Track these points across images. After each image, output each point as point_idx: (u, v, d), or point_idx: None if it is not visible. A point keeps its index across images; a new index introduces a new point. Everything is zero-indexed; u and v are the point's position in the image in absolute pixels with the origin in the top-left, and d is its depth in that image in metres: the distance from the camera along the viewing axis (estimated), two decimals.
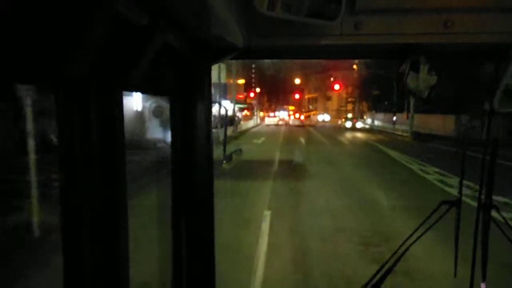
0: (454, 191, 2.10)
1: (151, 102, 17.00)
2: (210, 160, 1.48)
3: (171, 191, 1.41)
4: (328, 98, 78.37)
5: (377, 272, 1.60)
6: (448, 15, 1.30)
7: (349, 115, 49.48)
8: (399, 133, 31.91)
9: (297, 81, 67.52)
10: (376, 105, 43.80)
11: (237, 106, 37.08)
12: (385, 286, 1.52)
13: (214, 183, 1.44)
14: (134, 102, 12.82)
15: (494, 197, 1.60)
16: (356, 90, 49.80)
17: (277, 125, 46.72)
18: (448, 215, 1.57)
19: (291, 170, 13.33)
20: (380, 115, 42.13)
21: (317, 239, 6.34)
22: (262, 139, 26.44)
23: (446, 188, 9.96)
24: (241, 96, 46.46)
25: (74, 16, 0.62)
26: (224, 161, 1.79)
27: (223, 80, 31.77)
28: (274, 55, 1.68)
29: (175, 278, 1.42)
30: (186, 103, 1.40)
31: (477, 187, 1.59)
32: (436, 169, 12.99)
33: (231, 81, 33.23)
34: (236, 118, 31.73)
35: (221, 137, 2.01)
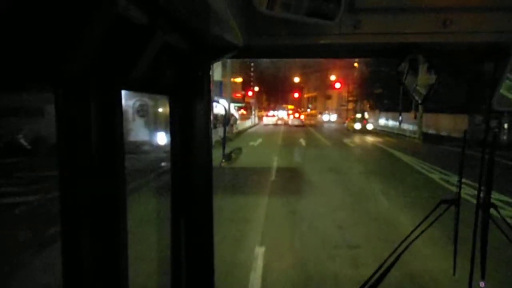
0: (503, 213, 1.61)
1: (135, 101, 15.23)
2: (209, 159, 1.47)
3: (171, 190, 1.40)
4: (328, 97, 77.28)
5: (376, 271, 1.59)
6: (447, 14, 1.31)
7: (358, 115, 41.91)
8: (407, 134, 29.52)
9: (296, 79, 66.69)
10: (379, 104, 41.30)
11: (234, 105, 35.96)
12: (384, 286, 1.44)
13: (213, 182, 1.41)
14: None
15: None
16: (358, 88, 47.31)
17: (275, 125, 44.48)
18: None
19: (291, 181, 11.11)
20: (384, 115, 39.62)
21: None
22: (259, 140, 24.14)
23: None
24: (238, 95, 45.50)
25: (74, 16, 0.62)
26: (223, 160, 1.76)
27: (218, 78, 29.44)
28: (274, 54, 1.69)
29: (174, 281, 1.41)
30: (186, 102, 1.39)
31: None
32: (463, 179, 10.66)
33: (225, 79, 30.88)
34: (233, 117, 29.41)
35: (215, 138, 1.84)
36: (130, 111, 12.99)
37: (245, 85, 48.51)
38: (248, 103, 48.96)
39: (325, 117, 64.06)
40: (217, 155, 1.56)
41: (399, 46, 1.39)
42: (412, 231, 1.66)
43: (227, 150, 1.80)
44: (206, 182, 1.46)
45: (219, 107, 2.05)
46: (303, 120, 46.49)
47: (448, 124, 25.49)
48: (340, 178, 11.96)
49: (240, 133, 29.67)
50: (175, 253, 1.40)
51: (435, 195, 8.91)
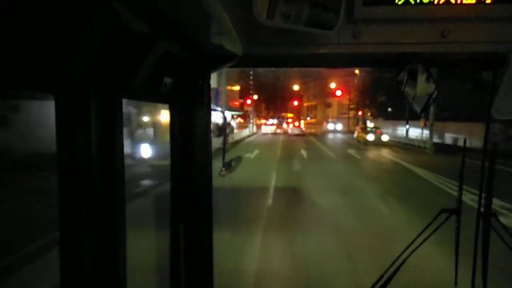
0: None
1: None
2: (209, 167, 1.49)
3: (170, 198, 1.42)
4: (328, 105, 77.13)
5: (378, 280, 1.61)
6: (445, 25, 1.33)
7: (370, 124, 34.88)
8: (416, 144, 27.10)
9: (296, 87, 66.42)
10: (382, 112, 39.01)
11: (232, 114, 34.83)
12: None
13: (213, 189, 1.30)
14: None
15: None
16: (360, 96, 45.11)
17: (274, 134, 41.81)
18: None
19: (292, 208, 8.68)
20: (388, 123, 37.17)
21: None
22: (256, 152, 21.60)
23: None
24: (236, 103, 44.46)
25: (75, 24, 0.63)
26: (223, 169, 1.71)
27: (214, 86, 27.18)
28: (273, 63, 1.66)
29: (174, 285, 1.43)
30: (186, 110, 1.42)
31: None
32: (502, 203, 8.43)
33: (221, 87, 28.79)
34: (229, 126, 27.09)
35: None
36: None
37: (244, 93, 47.64)
38: (246, 111, 47.83)
39: (330, 126, 58.17)
40: (216, 164, 1.53)
41: (398, 56, 1.41)
42: (413, 241, 1.66)
43: (225, 159, 1.70)
44: (206, 190, 1.48)
45: (216, 114, 1.85)
46: (304, 129, 43.75)
47: (462, 133, 23.05)
48: (353, 203, 9.52)
49: (237, 143, 27.23)
50: (174, 262, 1.41)
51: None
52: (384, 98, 37.53)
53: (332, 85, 56.06)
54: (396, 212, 8.44)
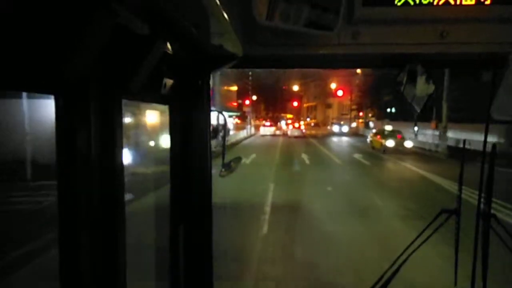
0: None
1: None
2: (209, 168, 1.49)
3: (170, 198, 1.42)
4: (328, 106, 75.90)
5: (378, 281, 1.62)
6: (444, 26, 1.35)
7: (387, 127, 28.74)
8: (427, 147, 24.69)
9: (296, 88, 65.35)
10: (386, 113, 36.63)
11: (229, 114, 34.36)
12: None
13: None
14: (47, 106, 6.27)
15: None
16: (363, 96, 42.82)
17: (273, 135, 39.41)
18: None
19: (294, 238, 6.31)
20: (394, 125, 34.73)
21: None
22: (253, 156, 19.35)
23: None
24: (235, 103, 43.99)
25: (75, 25, 0.64)
26: (223, 169, 1.71)
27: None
28: (273, 64, 1.68)
29: (173, 286, 1.44)
30: (185, 111, 1.42)
31: None
32: None
33: (216, 86, 26.67)
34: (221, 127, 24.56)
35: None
36: None
37: (242, 94, 46.81)
38: (244, 112, 46.55)
39: (335, 128, 50.53)
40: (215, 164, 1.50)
41: (398, 56, 1.42)
42: (413, 242, 1.68)
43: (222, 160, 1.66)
44: (205, 191, 1.48)
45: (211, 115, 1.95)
46: (304, 130, 41.23)
47: (477, 135, 20.71)
48: (375, 230, 7.19)
49: (233, 145, 24.98)
50: (174, 262, 1.41)
51: None
52: (389, 97, 35.20)
53: (333, 86, 54.57)
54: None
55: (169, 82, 1.22)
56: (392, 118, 36.57)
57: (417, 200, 10.02)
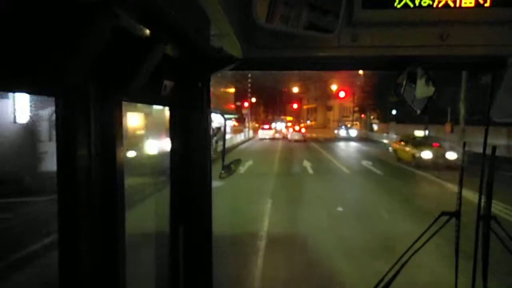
0: None
1: (52, 112, 4.83)
2: (209, 169, 1.50)
3: (170, 200, 1.43)
4: (329, 108, 74.97)
5: (379, 283, 1.62)
6: (444, 28, 1.36)
7: (418, 133, 23.78)
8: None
9: (295, 89, 64.00)
10: (391, 115, 34.21)
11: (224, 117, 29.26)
12: None
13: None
14: (12, 109, 6.38)
15: None
16: (367, 97, 40.45)
17: (272, 139, 37.00)
18: None
19: None
20: (401, 128, 32.24)
21: None
22: (249, 164, 17.00)
23: None
24: (233, 106, 43.22)
25: (75, 27, 0.64)
26: (223, 171, 1.72)
27: None
28: (273, 66, 1.72)
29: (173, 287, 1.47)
30: (185, 113, 1.43)
31: None
32: None
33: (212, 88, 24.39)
34: (219, 132, 22.07)
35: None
36: (44, 126, 7.74)
37: (240, 96, 45.94)
38: (242, 114, 45.50)
39: (342, 132, 44.44)
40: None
41: (397, 59, 1.43)
42: (413, 244, 1.69)
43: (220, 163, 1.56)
44: (205, 192, 1.49)
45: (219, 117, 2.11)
46: (305, 133, 38.66)
47: (498, 139, 18.21)
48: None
49: (228, 150, 22.31)
50: (173, 264, 1.42)
51: None
52: (395, 98, 32.78)
53: (334, 87, 52.41)
54: None
55: (169, 84, 1.23)
56: (398, 120, 34.11)
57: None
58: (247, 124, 42.55)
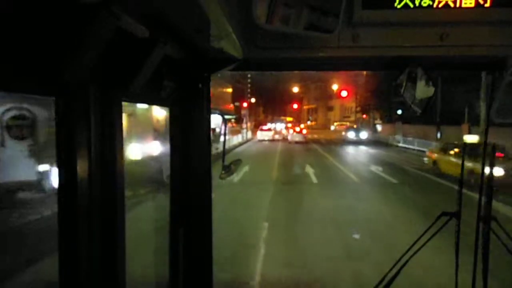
0: None
1: (5, 110, 8.17)
2: (209, 170, 1.49)
3: (170, 201, 1.42)
4: (330, 108, 73.60)
5: (379, 283, 1.63)
6: (444, 28, 1.36)
7: (471, 138, 16.42)
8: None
9: (296, 89, 62.52)
10: (396, 115, 32.14)
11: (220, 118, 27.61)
12: None
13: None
14: None
15: None
16: (371, 97, 38.40)
17: (272, 140, 34.82)
18: None
19: None
20: (408, 129, 30.06)
21: None
22: (245, 170, 15.00)
23: None
24: (231, 105, 41.22)
25: (77, 28, 0.64)
26: (223, 171, 1.69)
27: None
28: (273, 67, 1.71)
29: None
30: (186, 113, 1.42)
31: None
32: None
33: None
34: (214, 133, 20.14)
35: None
36: None
37: (240, 96, 44.19)
38: (240, 115, 44.19)
39: (351, 134, 38.31)
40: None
41: (397, 59, 1.43)
42: (413, 244, 1.69)
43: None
44: (205, 193, 1.48)
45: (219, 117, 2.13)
46: (306, 135, 36.40)
47: None
48: None
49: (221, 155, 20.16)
50: (173, 265, 1.40)
51: None
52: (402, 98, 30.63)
53: (335, 87, 50.65)
54: None
55: (169, 84, 1.23)
56: (404, 121, 31.97)
57: (403, 179, 8.62)
58: (244, 125, 40.61)
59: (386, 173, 15.29)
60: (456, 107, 21.59)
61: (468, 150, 12.80)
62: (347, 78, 48.30)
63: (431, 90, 1.44)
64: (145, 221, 5.21)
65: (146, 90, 0.98)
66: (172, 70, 1.19)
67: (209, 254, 1.49)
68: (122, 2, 0.68)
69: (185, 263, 1.41)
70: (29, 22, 0.58)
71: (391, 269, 1.60)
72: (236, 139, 33.29)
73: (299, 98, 74.10)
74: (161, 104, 1.41)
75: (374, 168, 17.41)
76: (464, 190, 1.70)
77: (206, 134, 1.45)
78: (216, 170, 1.63)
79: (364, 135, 37.78)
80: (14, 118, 7.84)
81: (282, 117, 62.92)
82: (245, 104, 44.95)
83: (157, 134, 14.44)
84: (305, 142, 34.72)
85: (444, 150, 15.28)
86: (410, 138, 28.61)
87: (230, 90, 40.72)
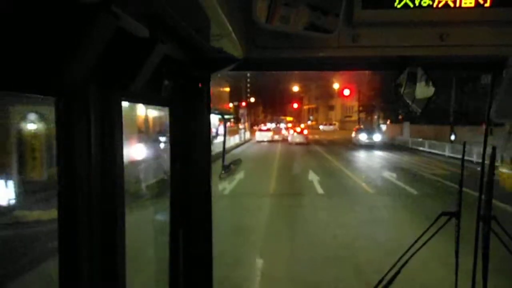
0: None
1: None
2: (209, 170, 1.51)
3: (170, 203, 1.45)
4: (331, 108, 72.12)
5: (378, 283, 1.64)
6: (444, 28, 1.37)
7: None
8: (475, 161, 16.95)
9: (296, 88, 61.76)
10: (406, 115, 30.12)
11: (218, 118, 26.73)
12: None
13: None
14: None
15: None
16: (375, 95, 36.43)
17: (271, 141, 32.84)
18: None
19: None
20: (417, 130, 28.03)
21: None
22: (239, 177, 12.99)
23: None
24: (231, 105, 40.95)
25: (76, 28, 0.65)
26: (223, 171, 1.71)
27: None
28: (273, 66, 1.73)
29: None
30: (185, 113, 1.45)
31: None
32: None
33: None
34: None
35: None
36: None
37: (239, 95, 43.31)
38: (237, 115, 43.52)
39: (362, 136, 32.47)
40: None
41: (397, 59, 1.44)
42: (413, 244, 1.69)
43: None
44: (205, 193, 1.49)
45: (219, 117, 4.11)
46: (307, 135, 34.28)
47: None
48: None
49: (216, 158, 18.01)
50: (173, 265, 1.42)
51: None
52: None
53: (336, 86, 49.51)
54: None
55: (169, 84, 1.25)
56: (412, 120, 29.95)
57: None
58: (241, 126, 39.42)
59: (405, 183, 12.51)
60: (475, 107, 19.64)
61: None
62: (349, 77, 47.16)
63: (431, 90, 1.44)
64: (145, 222, 4.38)
65: (146, 90, 0.99)
66: (172, 70, 1.19)
67: (209, 255, 1.49)
68: (122, 2, 0.69)
69: (185, 264, 1.42)
70: (29, 22, 0.58)
71: (391, 269, 1.63)
72: (233, 140, 31.42)
73: (299, 98, 73.69)
74: (161, 104, 1.38)
75: (382, 172, 15.46)
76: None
77: (206, 134, 1.45)
78: (215, 170, 1.59)
79: (377, 137, 32.95)
80: None
81: (282, 117, 61.72)
82: (243, 104, 44.35)
83: (142, 136, 12.54)
84: (307, 144, 33.16)
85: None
86: (420, 139, 26.36)
87: (227, 89, 39.12)
